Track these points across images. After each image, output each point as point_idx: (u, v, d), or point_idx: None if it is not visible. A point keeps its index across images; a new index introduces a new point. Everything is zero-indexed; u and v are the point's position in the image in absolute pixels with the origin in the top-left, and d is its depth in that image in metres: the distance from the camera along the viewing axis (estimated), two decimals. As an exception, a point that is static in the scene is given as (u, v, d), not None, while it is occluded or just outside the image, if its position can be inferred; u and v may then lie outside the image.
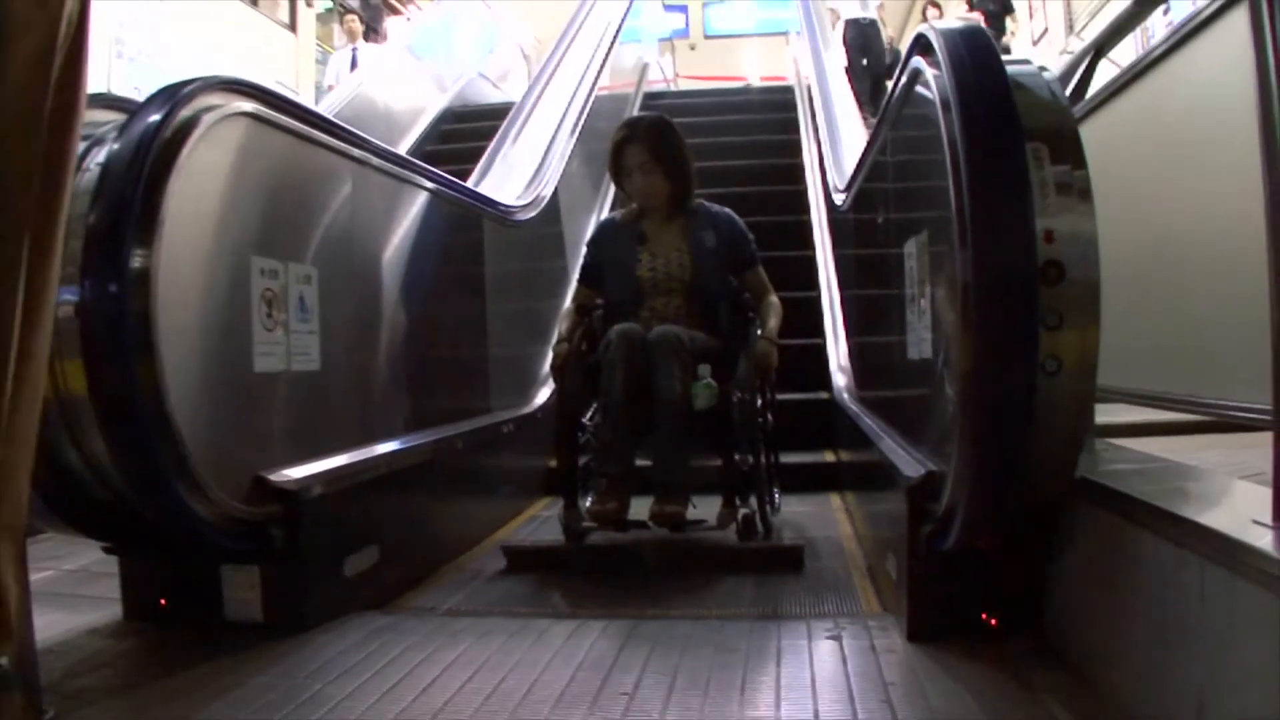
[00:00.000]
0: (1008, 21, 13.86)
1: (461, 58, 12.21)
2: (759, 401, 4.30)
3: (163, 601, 2.92)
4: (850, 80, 10.77)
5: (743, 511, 3.98)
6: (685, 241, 4.36)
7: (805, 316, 6.00)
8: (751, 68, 21.31)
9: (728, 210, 4.54)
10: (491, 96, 12.73)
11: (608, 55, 9.77)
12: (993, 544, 2.42)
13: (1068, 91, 2.90)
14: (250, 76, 2.96)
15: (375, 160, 3.68)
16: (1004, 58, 2.36)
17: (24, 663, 1.86)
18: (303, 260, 3.07)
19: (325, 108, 8.03)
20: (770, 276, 4.45)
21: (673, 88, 17.05)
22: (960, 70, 2.27)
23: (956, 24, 2.54)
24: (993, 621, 2.59)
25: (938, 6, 14.90)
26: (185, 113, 2.58)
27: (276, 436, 2.96)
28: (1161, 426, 4.38)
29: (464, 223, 4.87)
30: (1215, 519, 1.73)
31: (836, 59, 11.08)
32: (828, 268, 6.79)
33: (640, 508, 3.88)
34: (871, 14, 13.71)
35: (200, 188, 2.63)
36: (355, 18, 13.10)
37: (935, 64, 2.44)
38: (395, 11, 17.85)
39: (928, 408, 2.72)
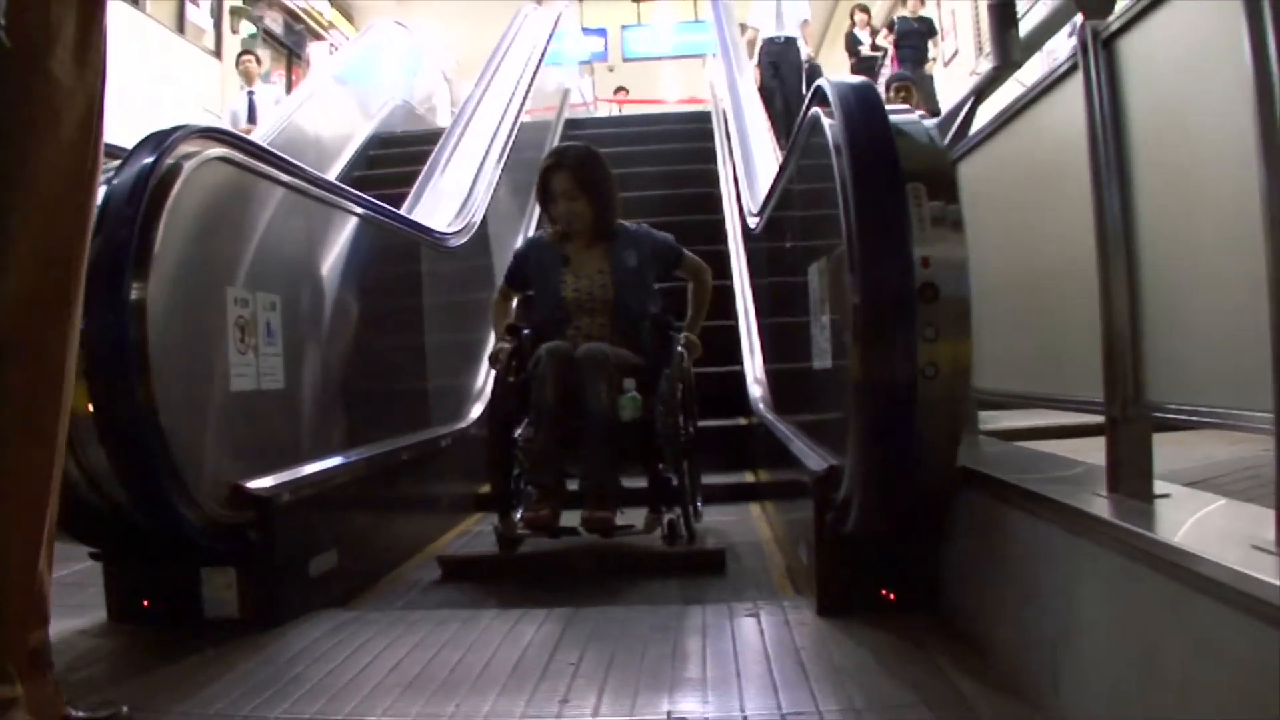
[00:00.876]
0: (929, 46, 14.19)
1: (386, 84, 12.41)
2: (680, 414, 4.41)
3: (145, 603, 3.16)
4: (763, 100, 11.00)
5: (668, 517, 4.16)
6: (607, 263, 4.55)
7: (725, 344, 6.25)
8: (670, 89, 21.64)
9: (643, 225, 4.79)
10: (415, 122, 12.97)
11: (531, 82, 9.99)
12: (887, 527, 2.77)
13: (952, 131, 3.30)
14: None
15: (328, 195, 4.02)
16: (889, 107, 2.73)
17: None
18: (268, 289, 3.38)
19: (258, 135, 8.22)
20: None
21: (593, 112, 17.27)
22: (850, 120, 2.64)
23: (849, 79, 2.91)
24: (892, 597, 2.93)
25: (866, 12, 15.07)
26: (169, 159, 2.88)
27: (249, 449, 3.26)
28: (1057, 430, 4.77)
29: (405, 250, 5.16)
30: (1062, 493, 2.09)
31: (751, 84, 11.22)
32: (744, 294, 7.01)
33: (570, 518, 4.09)
34: (789, 31, 13.46)
35: (183, 226, 2.92)
36: (252, 58, 12.03)
37: (830, 114, 2.81)
38: (318, 37, 17.98)
39: (829, 411, 3.08)
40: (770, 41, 13.26)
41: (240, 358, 3.16)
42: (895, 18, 14.33)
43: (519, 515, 4.24)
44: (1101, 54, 2.05)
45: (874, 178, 2.55)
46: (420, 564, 4.27)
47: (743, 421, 5.97)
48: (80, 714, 2.17)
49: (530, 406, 4.21)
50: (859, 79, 2.96)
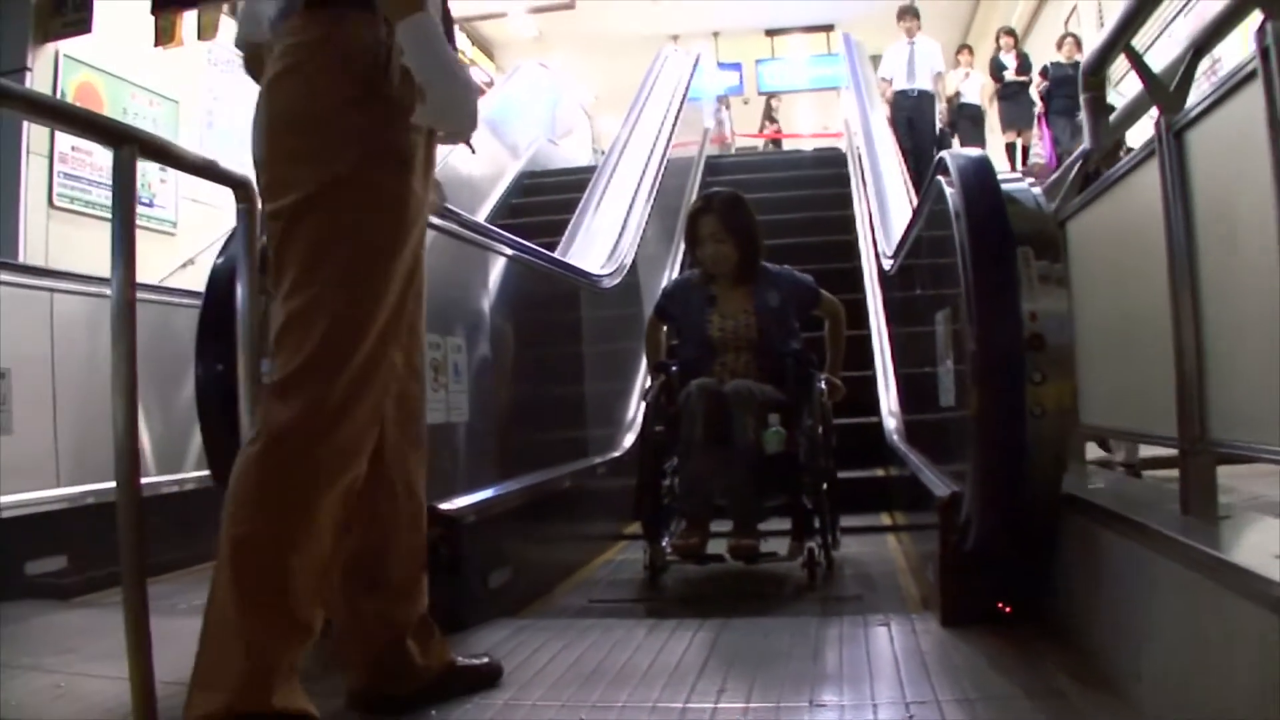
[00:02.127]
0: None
1: (531, 124, 13.03)
2: (821, 448, 4.56)
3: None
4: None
5: (808, 545, 4.34)
6: (751, 304, 4.84)
7: (864, 396, 6.48)
8: (806, 122, 21.92)
9: (785, 267, 5.06)
10: (557, 158, 13.55)
11: (675, 122, 10.45)
12: (1002, 546, 3.13)
13: (1063, 192, 3.66)
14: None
15: (499, 246, 4.52)
16: (1001, 175, 3.13)
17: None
18: (454, 333, 3.87)
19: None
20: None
21: (731, 150, 17.67)
22: (968, 191, 3.05)
23: (968, 153, 3.31)
24: (1007, 609, 3.25)
25: (1012, 35, 14.59)
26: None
27: (439, 474, 3.73)
28: (1155, 461, 5.03)
29: (565, 292, 5.63)
30: (1142, 515, 2.46)
31: (883, 122, 11.43)
32: (880, 330, 7.24)
33: (715, 546, 4.35)
34: (922, 84, 13.33)
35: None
36: None
37: (951, 183, 3.21)
38: None
39: (954, 444, 3.46)
40: (903, 95, 13.29)
41: (433, 394, 3.64)
42: (1049, 64, 13.61)
43: (666, 542, 4.51)
44: (1173, 142, 2.42)
45: (988, 242, 2.95)
46: (579, 582, 4.65)
47: (880, 473, 6.17)
48: (463, 660, 2.83)
49: (679, 439, 4.48)
50: (976, 152, 3.36)
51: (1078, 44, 13.26)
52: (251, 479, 2.26)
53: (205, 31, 8.47)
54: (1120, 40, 2.86)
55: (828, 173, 11.73)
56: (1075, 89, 13.16)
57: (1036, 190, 3.15)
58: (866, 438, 6.16)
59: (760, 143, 20.09)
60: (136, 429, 2.39)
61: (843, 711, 2.55)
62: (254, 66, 2.63)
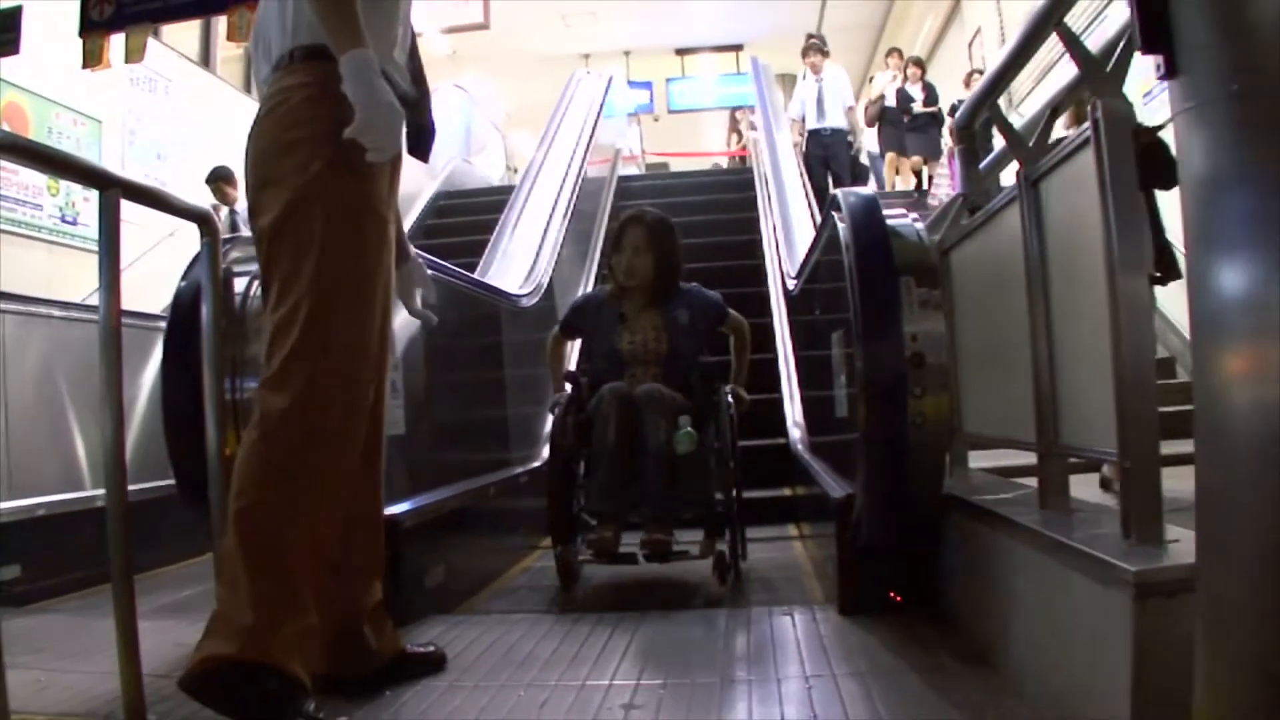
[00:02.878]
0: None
1: (447, 144, 13.31)
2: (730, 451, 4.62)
3: None
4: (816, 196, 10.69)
5: (719, 547, 4.47)
6: (661, 319, 4.86)
7: (771, 414, 6.72)
8: (714, 140, 22.34)
9: (694, 285, 5.06)
10: (472, 178, 13.84)
11: (589, 144, 10.76)
12: (890, 541, 3.50)
13: (944, 227, 4.05)
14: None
15: (434, 275, 4.83)
16: (887, 212, 3.52)
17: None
18: (392, 352, 4.18)
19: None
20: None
21: (642, 168, 18.01)
22: (856, 225, 3.44)
23: (859, 191, 3.71)
24: (898, 599, 3.63)
25: (920, 66, 14.46)
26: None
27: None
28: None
29: (488, 312, 5.92)
30: (1005, 510, 2.84)
31: (789, 145, 11.71)
32: (785, 346, 7.47)
33: (629, 545, 4.41)
34: (834, 121, 13.06)
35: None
36: (224, 185, 10.43)
37: (843, 218, 3.59)
38: None
39: (849, 453, 3.84)
40: (815, 135, 13.00)
41: (374, 409, 3.97)
42: (957, 101, 12.49)
43: (581, 541, 4.56)
44: (1030, 190, 2.81)
45: (873, 272, 3.33)
46: (501, 588, 4.84)
47: (787, 492, 6.33)
48: (412, 648, 3.18)
49: (594, 441, 4.52)
50: (866, 191, 3.75)
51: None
52: (253, 460, 2.59)
53: (133, 55, 8.52)
54: (985, 101, 3.25)
55: (737, 196, 11.88)
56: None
57: (919, 225, 3.54)
58: (774, 458, 6.39)
59: (670, 160, 20.45)
60: (124, 442, 2.67)
61: (750, 685, 2.91)
62: None
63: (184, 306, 3.60)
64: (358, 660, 2.95)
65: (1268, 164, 1.51)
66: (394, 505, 3.94)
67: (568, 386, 4.91)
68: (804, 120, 13.22)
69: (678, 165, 20.76)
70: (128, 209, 2.72)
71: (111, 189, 2.71)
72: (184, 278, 3.78)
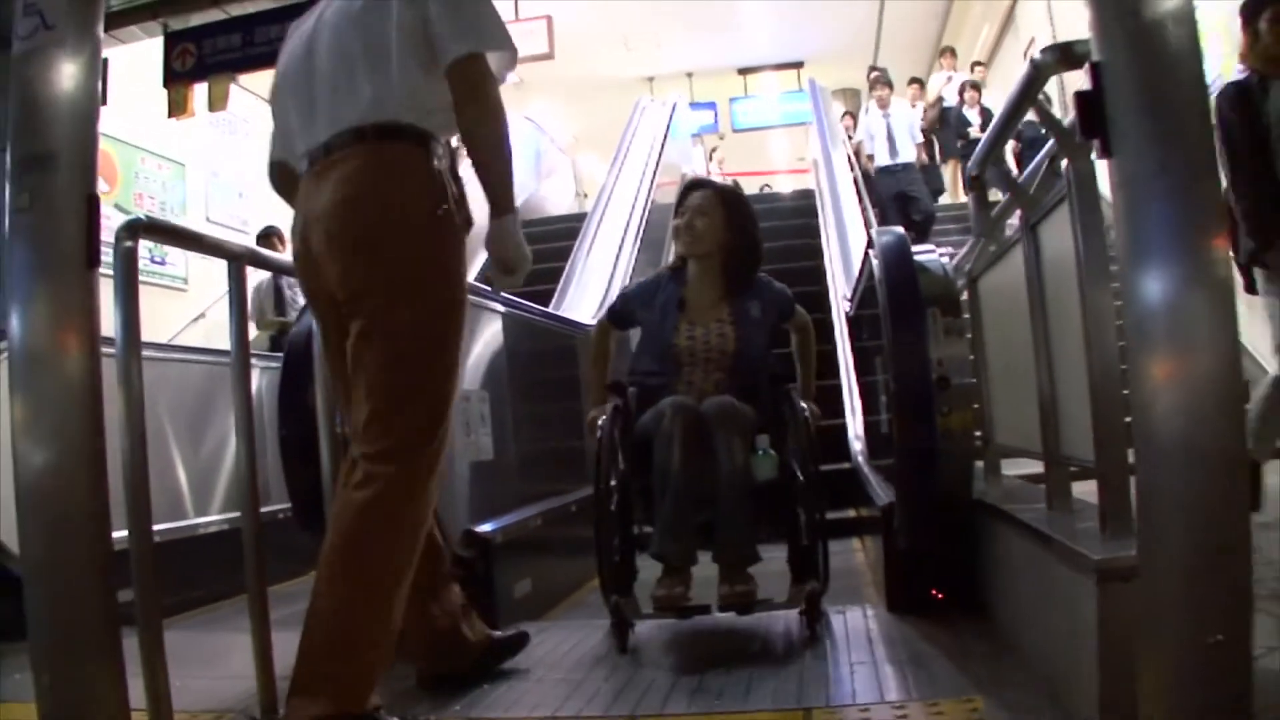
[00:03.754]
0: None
1: (518, 175, 13.80)
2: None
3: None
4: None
5: (809, 587, 3.78)
6: (728, 311, 4.17)
7: (835, 440, 6.69)
8: (779, 157, 22.68)
9: (762, 274, 4.33)
10: (545, 207, 14.34)
11: (655, 171, 11.16)
12: (928, 543, 3.90)
13: (975, 255, 4.44)
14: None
15: (514, 311, 5.31)
16: (915, 249, 3.94)
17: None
18: (482, 386, 4.66)
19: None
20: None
21: None
22: (887, 265, 3.86)
23: (891, 231, 4.14)
24: (940, 596, 4.01)
25: (977, 90, 13.69)
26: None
27: (472, 503, 4.51)
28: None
29: (563, 343, 6.40)
30: (1018, 511, 3.24)
31: (844, 164, 11.87)
32: (848, 366, 7.60)
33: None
34: (905, 156, 12.59)
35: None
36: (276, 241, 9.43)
37: (876, 256, 4.02)
38: None
39: (890, 463, 4.24)
40: (886, 171, 12.61)
41: (466, 439, 4.43)
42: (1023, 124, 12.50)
43: (651, 594, 3.78)
44: (1030, 233, 3.21)
45: (903, 304, 3.75)
46: (582, 595, 5.22)
47: (852, 513, 6.34)
48: (498, 634, 3.53)
49: (656, 470, 3.77)
50: (897, 231, 4.17)
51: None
52: (366, 521, 2.81)
53: (216, 103, 8.88)
54: (989, 157, 3.64)
55: (800, 223, 11.87)
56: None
57: (945, 260, 3.95)
58: (840, 481, 6.21)
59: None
60: (256, 471, 3.14)
61: (803, 669, 3.33)
62: (282, 179, 3.26)
63: (298, 348, 4.04)
64: (463, 655, 3.37)
65: (1182, 220, 1.92)
66: (484, 524, 4.39)
67: (611, 400, 4.15)
68: (874, 157, 12.91)
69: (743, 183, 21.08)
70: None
71: (237, 260, 3.18)
72: (298, 320, 4.25)
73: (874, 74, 13.85)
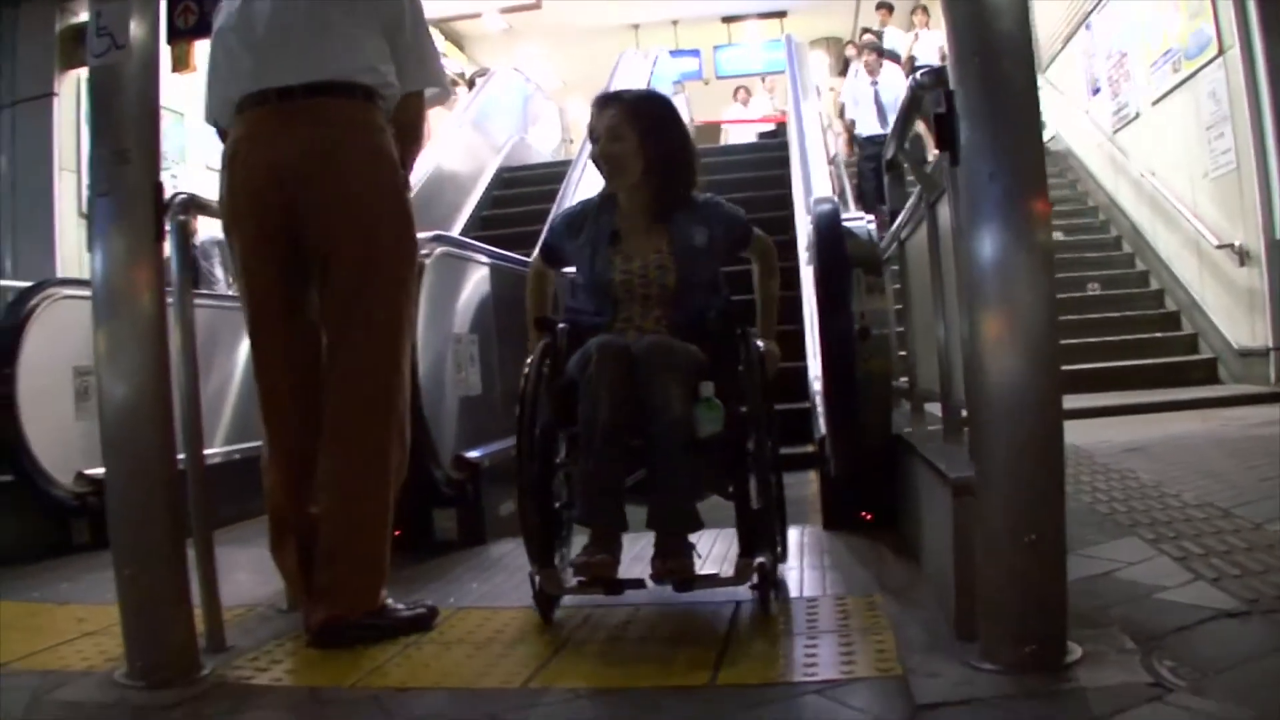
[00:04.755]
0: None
1: (507, 123, 14.37)
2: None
3: (397, 532, 4.83)
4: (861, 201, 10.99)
5: (758, 560, 3.31)
6: (666, 240, 3.74)
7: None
8: (760, 105, 23.06)
9: (710, 195, 3.94)
10: (531, 154, 14.86)
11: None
12: (852, 471, 4.50)
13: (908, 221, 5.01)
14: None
15: (500, 263, 5.89)
16: (844, 215, 4.53)
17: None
18: (472, 330, 5.26)
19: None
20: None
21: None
22: (819, 229, 4.45)
23: (824, 201, 4.73)
24: (868, 517, 4.61)
25: (925, 11, 14.08)
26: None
27: (463, 432, 5.11)
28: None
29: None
30: (921, 446, 3.84)
31: (814, 114, 12.09)
32: (811, 314, 7.56)
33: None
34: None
35: (431, 297, 4.81)
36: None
37: (810, 222, 4.61)
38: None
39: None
40: (871, 141, 12.61)
41: (457, 376, 5.04)
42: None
43: (565, 561, 3.56)
44: (929, 209, 3.78)
45: (831, 264, 4.35)
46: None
47: (810, 448, 5.94)
48: (400, 606, 3.44)
49: (580, 421, 3.38)
50: (830, 203, 4.74)
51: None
52: (366, 465, 3.35)
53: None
54: (899, 147, 4.22)
55: (772, 174, 11.70)
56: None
57: (871, 226, 4.55)
58: (799, 422, 6.33)
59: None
60: (199, 403, 3.52)
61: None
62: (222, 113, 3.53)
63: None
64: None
65: (1009, 216, 2.53)
66: (473, 450, 4.98)
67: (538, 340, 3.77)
68: (855, 124, 13.21)
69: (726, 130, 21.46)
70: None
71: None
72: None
73: (865, 36, 13.95)
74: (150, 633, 2.96)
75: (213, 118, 3.62)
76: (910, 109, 3.45)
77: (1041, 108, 2.79)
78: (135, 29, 2.98)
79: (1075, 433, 5.69)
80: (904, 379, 4.70)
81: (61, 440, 5.32)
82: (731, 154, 13.90)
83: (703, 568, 3.53)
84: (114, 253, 2.92)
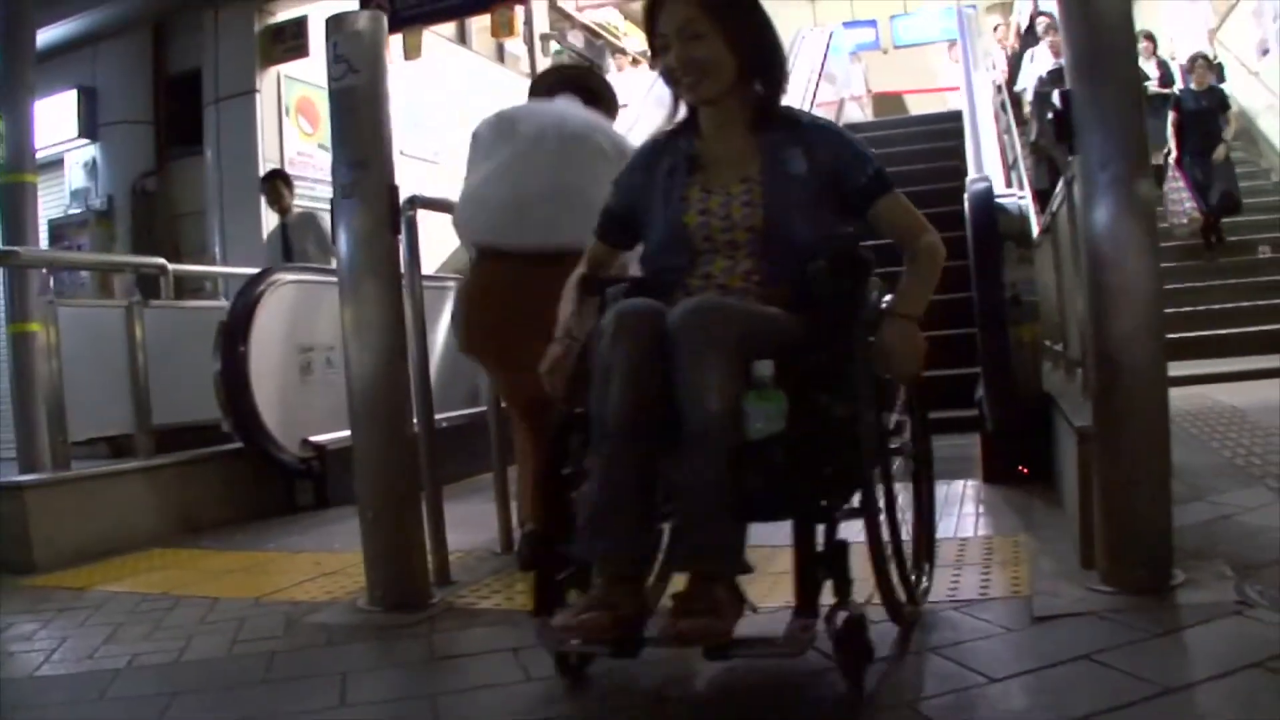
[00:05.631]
0: (1222, 124, 11.21)
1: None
2: (887, 421, 2.87)
3: None
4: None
5: (841, 615, 2.42)
6: (758, 166, 2.79)
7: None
8: (944, 73, 22.90)
9: (826, 120, 3.09)
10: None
11: (814, 95, 12.08)
12: (1007, 427, 4.87)
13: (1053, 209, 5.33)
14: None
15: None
16: (997, 192, 4.90)
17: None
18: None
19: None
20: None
21: (867, 110, 18.76)
22: (972, 206, 4.84)
23: (979, 179, 5.10)
24: (1025, 471, 4.93)
25: (1152, 40, 12.28)
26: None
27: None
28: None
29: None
30: (1062, 400, 4.22)
31: (985, 85, 11.45)
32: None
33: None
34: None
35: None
36: (281, 185, 9.27)
37: (966, 199, 5.00)
38: (620, 52, 19.47)
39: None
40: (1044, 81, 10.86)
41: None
42: (1180, 91, 11.64)
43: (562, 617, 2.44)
44: (1067, 188, 4.11)
45: (984, 238, 4.74)
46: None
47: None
48: None
49: (591, 418, 2.55)
50: (984, 182, 5.11)
51: (1211, 67, 11.74)
52: None
53: (410, 53, 10.00)
54: (1041, 130, 4.58)
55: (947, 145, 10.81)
56: (1212, 124, 11.07)
57: (1022, 202, 4.93)
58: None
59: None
60: (428, 372, 4.19)
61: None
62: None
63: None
64: None
65: (1118, 197, 2.96)
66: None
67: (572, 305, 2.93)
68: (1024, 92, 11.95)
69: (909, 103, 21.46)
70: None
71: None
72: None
73: (1046, 20, 13.28)
74: (389, 565, 3.63)
75: None
76: (1040, 104, 3.84)
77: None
78: (367, 57, 3.56)
79: (1236, 394, 6.04)
80: (1060, 345, 5.03)
81: (287, 411, 6.02)
82: (908, 125, 13.95)
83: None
84: (357, 243, 3.54)
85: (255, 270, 6.46)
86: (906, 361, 2.68)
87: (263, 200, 9.53)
